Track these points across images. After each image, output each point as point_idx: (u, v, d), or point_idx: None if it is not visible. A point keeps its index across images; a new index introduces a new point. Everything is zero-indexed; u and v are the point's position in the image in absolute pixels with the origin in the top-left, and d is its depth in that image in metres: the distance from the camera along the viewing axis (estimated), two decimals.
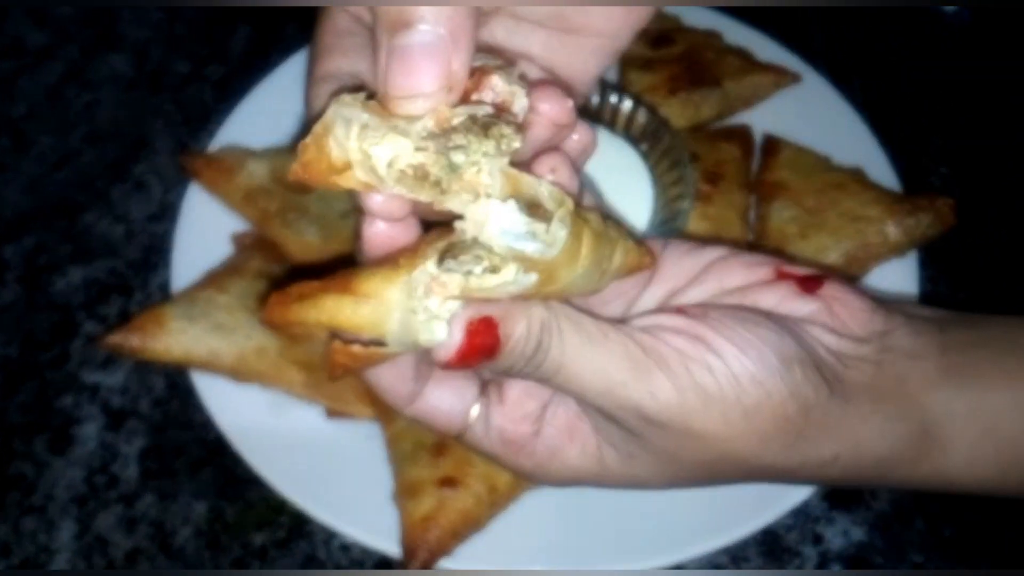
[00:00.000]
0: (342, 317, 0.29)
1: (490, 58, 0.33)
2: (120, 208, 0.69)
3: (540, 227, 0.29)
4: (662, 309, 0.37)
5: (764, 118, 0.69)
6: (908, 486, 0.40)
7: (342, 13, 0.34)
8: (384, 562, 0.54)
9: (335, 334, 0.31)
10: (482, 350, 0.31)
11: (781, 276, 0.37)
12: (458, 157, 0.29)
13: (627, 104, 0.64)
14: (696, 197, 0.61)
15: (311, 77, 0.34)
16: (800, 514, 0.56)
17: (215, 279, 0.59)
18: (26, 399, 0.61)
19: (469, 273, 0.29)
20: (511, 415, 0.38)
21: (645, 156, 0.64)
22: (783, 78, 0.70)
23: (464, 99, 0.31)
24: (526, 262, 0.29)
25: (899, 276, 0.62)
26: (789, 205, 0.63)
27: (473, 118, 0.30)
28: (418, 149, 0.29)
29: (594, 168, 0.61)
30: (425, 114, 0.30)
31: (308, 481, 0.54)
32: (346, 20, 0.34)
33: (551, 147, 0.34)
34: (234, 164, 0.63)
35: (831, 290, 0.37)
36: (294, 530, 0.56)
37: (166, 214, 0.68)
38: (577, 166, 0.36)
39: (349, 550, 0.55)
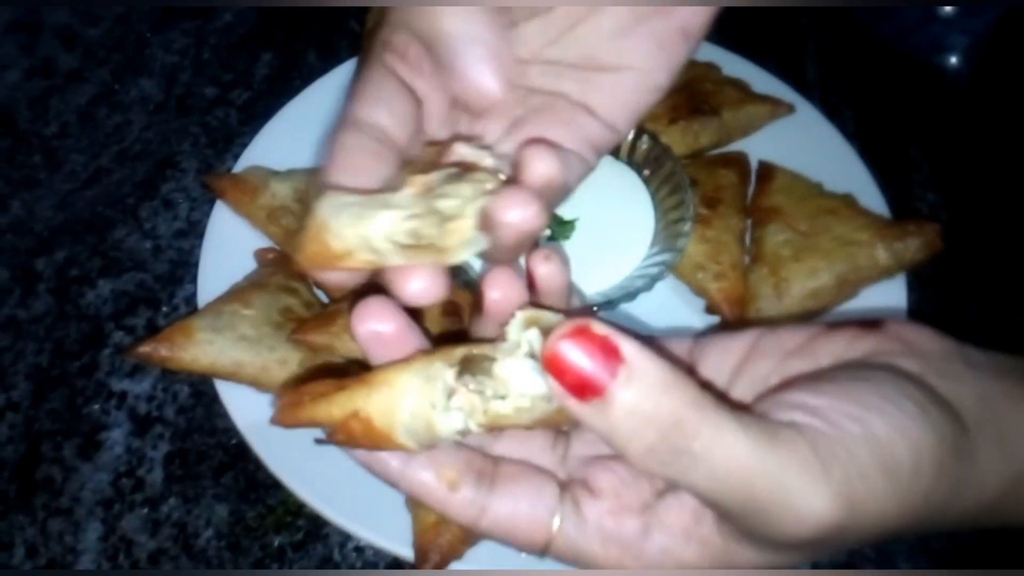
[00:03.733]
0: (354, 407, 0.30)
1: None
2: (148, 225, 0.71)
3: None
4: (771, 390, 0.33)
5: (760, 146, 0.71)
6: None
7: (375, 64, 0.36)
8: (395, 563, 0.56)
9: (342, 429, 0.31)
10: (591, 365, 0.27)
11: (835, 327, 0.34)
12: (444, 203, 0.31)
13: (630, 132, 0.66)
14: (695, 220, 0.63)
15: (342, 118, 0.36)
16: None
17: (240, 293, 0.61)
18: (56, 406, 0.63)
19: (486, 395, 0.30)
20: (611, 508, 0.33)
21: (647, 182, 0.66)
22: (778, 108, 0.72)
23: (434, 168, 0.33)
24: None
25: (888, 298, 0.64)
26: (783, 229, 0.65)
27: (449, 175, 0.32)
28: (410, 217, 0.31)
29: (598, 193, 0.64)
30: (405, 184, 0.32)
31: (325, 486, 0.55)
32: (377, 70, 0.36)
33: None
34: (258, 184, 0.65)
35: (894, 325, 0.34)
36: (311, 533, 0.58)
37: (192, 231, 0.70)
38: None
39: (363, 552, 0.57)
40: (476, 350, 0.31)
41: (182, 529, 0.58)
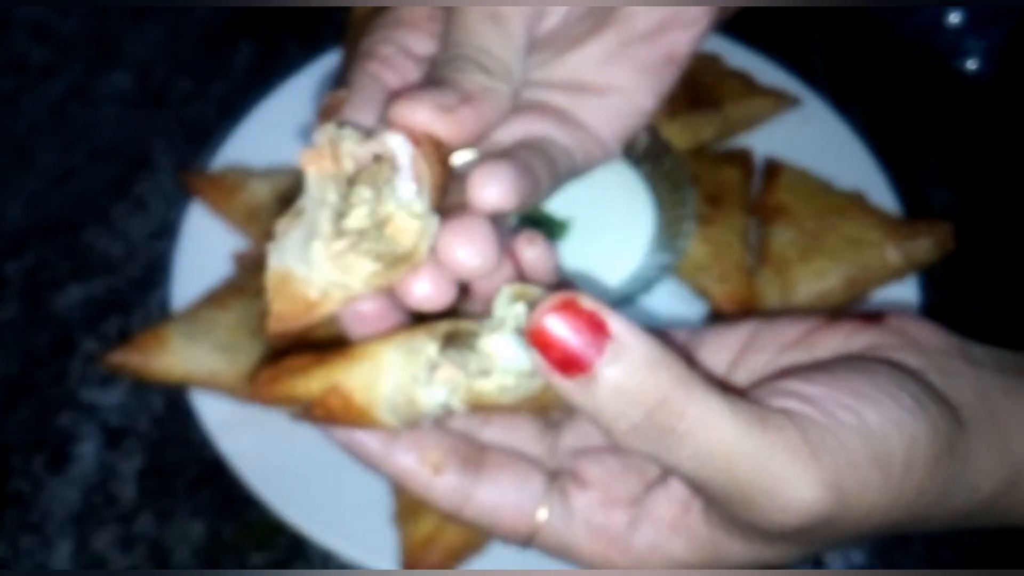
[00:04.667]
0: (334, 381, 0.29)
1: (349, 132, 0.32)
2: (121, 225, 0.69)
3: None
4: (765, 378, 0.32)
5: (765, 141, 0.70)
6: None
7: (360, 70, 0.35)
8: None
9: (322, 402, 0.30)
10: (580, 338, 0.27)
11: (835, 319, 0.34)
12: (351, 221, 0.29)
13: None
14: (697, 219, 0.62)
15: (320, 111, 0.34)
16: None
17: (216, 298, 0.60)
18: (24, 416, 0.61)
19: (470, 371, 0.29)
20: (599, 500, 0.33)
21: (647, 178, 0.64)
22: (783, 101, 0.71)
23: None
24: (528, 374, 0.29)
25: (900, 297, 0.63)
26: (789, 228, 0.63)
27: (349, 180, 0.30)
28: (336, 237, 0.29)
29: (596, 190, 0.62)
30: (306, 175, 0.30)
31: (306, 502, 0.54)
32: (361, 77, 0.35)
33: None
34: (236, 183, 0.64)
35: (895, 319, 0.34)
36: (292, 551, 0.56)
37: (167, 232, 0.68)
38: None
39: (347, 570, 0.55)
40: (461, 325, 0.30)
41: (156, 546, 0.56)
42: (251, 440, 0.56)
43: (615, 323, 0.27)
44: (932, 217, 0.66)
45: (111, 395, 0.61)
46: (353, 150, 0.30)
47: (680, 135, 0.67)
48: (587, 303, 0.27)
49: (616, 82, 0.38)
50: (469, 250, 0.30)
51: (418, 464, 0.32)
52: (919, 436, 0.29)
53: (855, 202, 0.64)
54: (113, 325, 0.65)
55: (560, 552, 0.33)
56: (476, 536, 0.52)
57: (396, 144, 0.30)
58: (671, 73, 0.39)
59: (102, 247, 0.68)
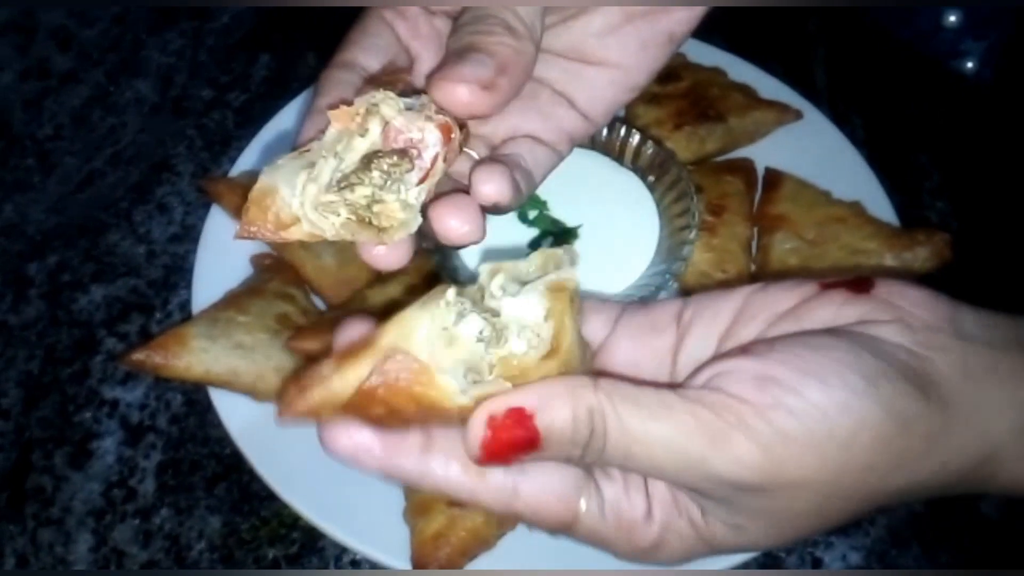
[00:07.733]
0: (367, 361, 0.28)
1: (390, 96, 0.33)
2: (142, 229, 0.70)
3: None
4: (723, 354, 0.34)
5: (766, 153, 0.71)
6: (1012, 490, 0.35)
7: (374, 15, 0.37)
8: None
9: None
10: (517, 444, 0.29)
11: (826, 287, 0.34)
12: (353, 195, 0.31)
13: (635, 137, 0.65)
14: (701, 228, 0.62)
15: (331, 61, 0.37)
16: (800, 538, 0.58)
17: (235, 300, 0.61)
18: (46, 414, 0.62)
19: (484, 338, 0.29)
20: (622, 486, 0.34)
21: (652, 188, 0.65)
22: (785, 114, 0.72)
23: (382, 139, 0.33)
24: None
25: None
26: (790, 237, 0.64)
27: (367, 158, 0.32)
28: (327, 192, 0.31)
29: (602, 199, 0.63)
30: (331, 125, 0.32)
31: (321, 498, 0.55)
32: (376, 22, 0.37)
33: None
34: None
35: (884, 287, 0.34)
36: (306, 546, 0.57)
37: (187, 235, 0.69)
38: None
39: (359, 566, 0.56)
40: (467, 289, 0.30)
41: (174, 541, 0.57)
42: (267, 437, 0.56)
43: (539, 416, 0.29)
44: (930, 227, 0.67)
45: (132, 393, 0.63)
46: (392, 115, 0.32)
47: (685, 146, 0.69)
48: (510, 412, 0.29)
49: (614, 57, 0.39)
50: (460, 219, 0.35)
51: (463, 472, 0.32)
52: (866, 417, 0.30)
53: (854, 212, 0.65)
54: (134, 325, 0.66)
55: (593, 542, 0.34)
56: (485, 532, 0.53)
57: (431, 139, 0.33)
58: (668, 51, 0.40)
59: (124, 249, 0.69)
